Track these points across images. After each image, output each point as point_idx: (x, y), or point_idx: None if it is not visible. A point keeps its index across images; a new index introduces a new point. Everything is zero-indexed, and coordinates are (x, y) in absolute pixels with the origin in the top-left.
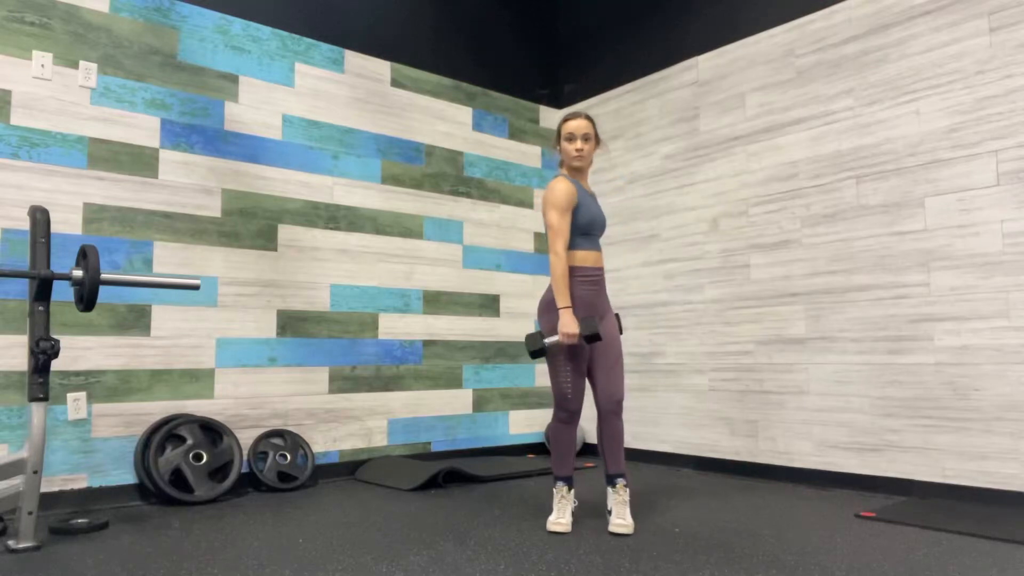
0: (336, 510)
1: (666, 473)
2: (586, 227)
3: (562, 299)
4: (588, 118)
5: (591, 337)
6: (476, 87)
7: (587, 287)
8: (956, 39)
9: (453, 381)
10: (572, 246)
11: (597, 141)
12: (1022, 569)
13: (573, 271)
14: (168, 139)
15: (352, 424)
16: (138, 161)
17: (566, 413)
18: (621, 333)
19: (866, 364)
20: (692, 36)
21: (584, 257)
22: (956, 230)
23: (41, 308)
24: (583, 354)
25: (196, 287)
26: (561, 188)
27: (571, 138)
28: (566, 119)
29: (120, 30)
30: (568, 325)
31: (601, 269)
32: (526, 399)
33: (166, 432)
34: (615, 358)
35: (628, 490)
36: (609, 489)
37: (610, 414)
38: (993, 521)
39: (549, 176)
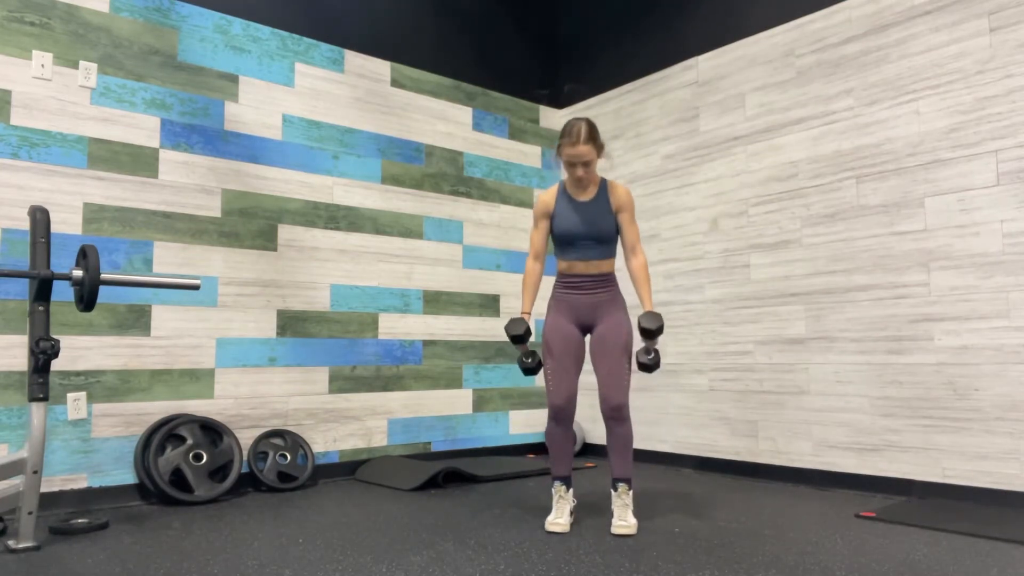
0: (336, 510)
1: (666, 473)
2: (561, 237)
3: (522, 304)
4: (588, 140)
5: (510, 336)
6: (476, 87)
7: (566, 291)
8: (956, 39)
9: (453, 381)
10: (556, 254)
11: (600, 149)
12: (1022, 569)
13: (557, 275)
14: (168, 139)
15: (352, 424)
16: (138, 161)
17: (552, 410)
18: (652, 336)
19: (866, 364)
20: (692, 36)
21: (562, 266)
22: (956, 230)
23: (41, 308)
24: (566, 353)
25: (196, 287)
26: (538, 199)
27: (571, 164)
28: (565, 143)
29: (120, 30)
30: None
31: (585, 276)
32: (526, 399)
33: (166, 432)
34: (612, 363)
35: (631, 493)
36: (612, 492)
37: (609, 420)
38: (993, 521)
39: (549, 176)
